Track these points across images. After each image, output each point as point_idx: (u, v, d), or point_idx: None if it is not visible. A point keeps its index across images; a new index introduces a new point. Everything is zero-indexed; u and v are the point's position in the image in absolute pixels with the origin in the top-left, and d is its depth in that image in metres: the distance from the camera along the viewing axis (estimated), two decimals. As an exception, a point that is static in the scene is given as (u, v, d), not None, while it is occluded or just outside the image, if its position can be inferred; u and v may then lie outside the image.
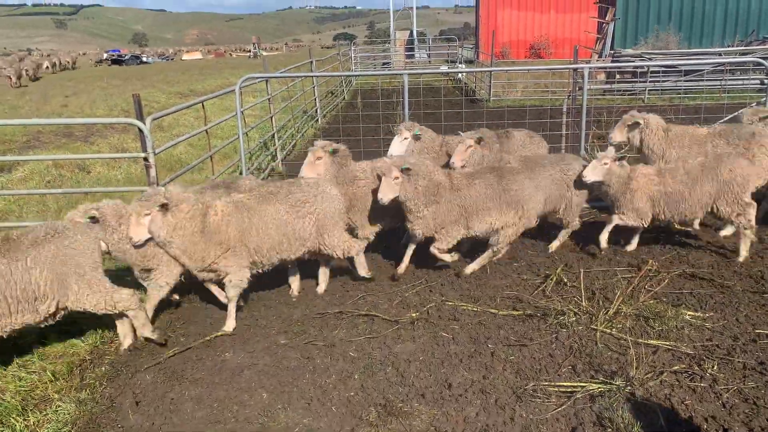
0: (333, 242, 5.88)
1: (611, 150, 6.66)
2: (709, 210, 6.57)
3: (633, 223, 6.66)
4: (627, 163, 6.57)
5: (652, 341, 4.94)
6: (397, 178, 5.83)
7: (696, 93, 17.98)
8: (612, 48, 23.70)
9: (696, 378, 4.42)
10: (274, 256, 5.65)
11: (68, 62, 51.40)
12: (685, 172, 6.52)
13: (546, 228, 7.35)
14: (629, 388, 4.29)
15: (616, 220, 6.67)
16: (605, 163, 6.48)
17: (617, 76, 20.36)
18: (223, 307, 5.77)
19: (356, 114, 13.27)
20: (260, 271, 5.75)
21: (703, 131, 7.37)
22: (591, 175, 6.49)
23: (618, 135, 7.36)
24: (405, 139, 7.40)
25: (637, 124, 7.25)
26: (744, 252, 6.57)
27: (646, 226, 6.74)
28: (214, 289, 5.90)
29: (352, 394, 4.50)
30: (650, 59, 19.36)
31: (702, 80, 18.73)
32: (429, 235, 6.25)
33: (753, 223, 6.50)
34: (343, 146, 6.60)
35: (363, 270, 6.22)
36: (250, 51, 75.11)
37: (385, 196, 5.81)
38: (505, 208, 6.29)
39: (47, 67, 44.59)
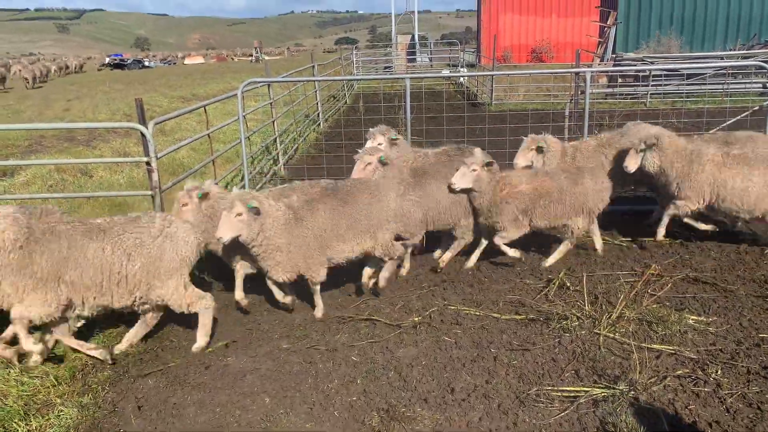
0: (165, 293, 5.09)
1: (478, 153, 6.35)
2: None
3: (514, 236, 6.50)
4: (495, 168, 6.35)
5: (655, 346, 4.92)
6: (240, 214, 5.07)
7: (698, 97, 17.98)
8: (614, 52, 23.72)
9: (699, 383, 4.40)
10: (92, 299, 4.93)
11: (76, 66, 53.77)
12: (556, 180, 6.49)
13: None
14: (632, 392, 4.28)
15: (498, 240, 6.50)
16: (474, 170, 6.17)
17: (619, 80, 20.37)
18: (223, 312, 5.76)
19: (358, 118, 13.30)
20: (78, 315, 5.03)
21: (591, 147, 7.43)
22: (460, 182, 6.20)
23: (522, 159, 7.24)
24: (379, 144, 6.86)
25: (540, 148, 7.17)
26: (552, 260, 6.78)
27: (519, 236, 6.59)
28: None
29: (354, 398, 4.49)
30: (652, 63, 19.37)
31: (704, 84, 18.74)
32: (294, 278, 5.63)
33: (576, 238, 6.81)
34: (215, 188, 5.87)
35: (203, 338, 5.36)
36: (252, 55, 75.24)
37: (224, 234, 5.03)
38: (355, 234, 5.79)
39: (55, 70, 45.96)
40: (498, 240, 6.52)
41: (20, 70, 36.26)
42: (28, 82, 34.39)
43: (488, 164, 6.17)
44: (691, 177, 6.59)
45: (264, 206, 5.22)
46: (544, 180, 6.51)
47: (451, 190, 6.35)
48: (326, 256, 5.70)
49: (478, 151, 6.38)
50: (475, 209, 6.56)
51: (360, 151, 6.57)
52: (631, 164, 6.74)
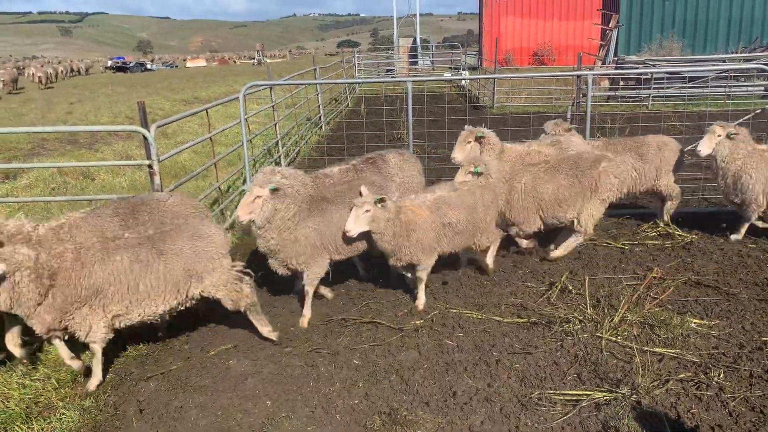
0: None
1: (366, 191, 5.71)
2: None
3: (424, 265, 5.86)
4: (390, 203, 5.56)
5: (657, 349, 4.91)
6: None
7: (700, 100, 17.97)
8: (615, 55, 23.72)
9: (702, 386, 4.39)
10: None
11: (82, 68, 57.29)
12: (459, 198, 6.09)
13: (550, 233, 7.33)
14: (635, 396, 4.27)
15: (422, 275, 5.93)
16: (367, 210, 5.42)
17: (621, 83, 20.37)
18: (225, 314, 5.76)
19: (360, 121, 13.32)
20: None
21: (521, 149, 7.26)
22: (354, 227, 5.41)
23: (459, 154, 6.97)
24: (257, 197, 5.47)
25: (480, 138, 6.95)
26: (491, 264, 6.68)
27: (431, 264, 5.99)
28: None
29: (356, 402, 4.49)
30: (654, 66, 19.36)
31: (706, 87, 18.72)
32: (48, 335, 4.58)
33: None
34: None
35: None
36: (254, 58, 75.41)
37: None
38: (166, 288, 4.83)
39: (62, 72, 48.17)
40: (423, 274, 5.95)
41: (33, 72, 39.50)
42: (41, 83, 36.86)
43: (380, 201, 5.45)
44: (512, 204, 6.69)
45: (16, 260, 4.26)
46: (448, 201, 6.02)
47: (348, 239, 5.72)
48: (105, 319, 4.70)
49: (364, 189, 5.76)
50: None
51: (252, 180, 5.66)
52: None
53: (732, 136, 6.95)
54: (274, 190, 5.41)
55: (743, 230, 7.30)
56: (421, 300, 6.02)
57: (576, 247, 7.05)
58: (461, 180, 6.37)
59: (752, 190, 6.89)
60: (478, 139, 6.96)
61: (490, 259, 6.71)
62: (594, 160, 6.72)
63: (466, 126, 7.15)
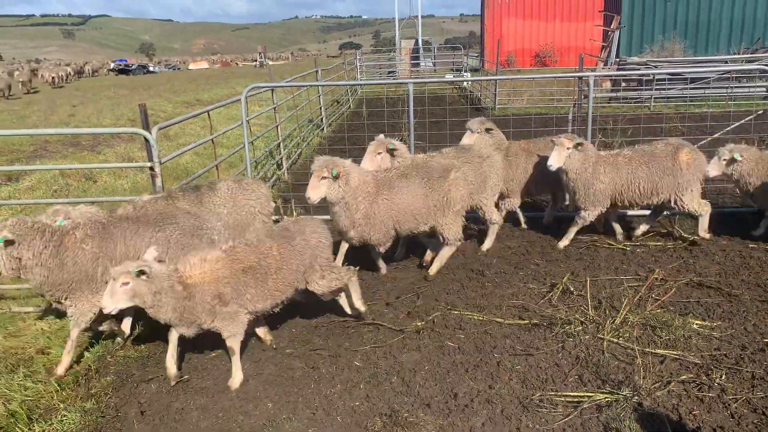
0: None
1: (152, 255, 4.63)
2: None
3: (228, 332, 4.77)
4: (159, 270, 4.43)
5: (659, 351, 4.90)
6: None
7: (702, 101, 17.94)
8: (617, 56, 23.69)
9: (704, 388, 4.38)
10: None
11: (89, 70, 61.03)
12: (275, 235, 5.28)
13: (551, 234, 7.32)
14: (636, 398, 4.26)
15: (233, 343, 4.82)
16: (125, 283, 4.32)
17: (623, 84, 20.35)
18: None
19: (362, 123, 13.31)
20: None
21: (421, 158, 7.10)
22: (112, 302, 4.34)
23: (370, 163, 6.76)
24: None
25: (391, 150, 6.78)
26: None
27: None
28: None
29: (357, 403, 4.48)
30: (656, 67, 19.34)
31: (708, 88, 18.68)
32: None
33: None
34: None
35: None
36: (256, 60, 75.54)
37: None
38: None
39: (70, 73, 50.18)
40: (233, 343, 4.79)
41: (43, 74, 43.80)
42: (53, 83, 40.94)
43: (141, 273, 4.31)
44: (370, 215, 6.14)
45: None
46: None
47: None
48: None
49: (151, 250, 4.68)
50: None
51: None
52: (314, 195, 5.84)
53: (579, 148, 6.95)
54: (8, 241, 4.65)
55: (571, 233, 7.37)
56: (237, 378, 4.79)
57: (450, 256, 6.81)
58: (314, 185, 5.76)
59: (602, 193, 7.03)
60: (390, 151, 6.79)
61: (358, 302, 5.71)
62: (443, 170, 6.47)
63: (376, 136, 6.98)
